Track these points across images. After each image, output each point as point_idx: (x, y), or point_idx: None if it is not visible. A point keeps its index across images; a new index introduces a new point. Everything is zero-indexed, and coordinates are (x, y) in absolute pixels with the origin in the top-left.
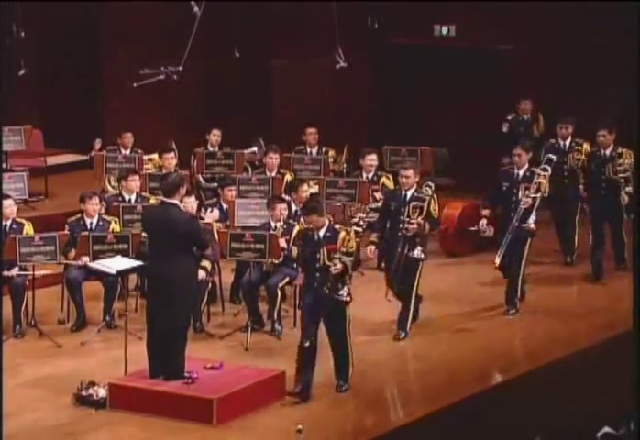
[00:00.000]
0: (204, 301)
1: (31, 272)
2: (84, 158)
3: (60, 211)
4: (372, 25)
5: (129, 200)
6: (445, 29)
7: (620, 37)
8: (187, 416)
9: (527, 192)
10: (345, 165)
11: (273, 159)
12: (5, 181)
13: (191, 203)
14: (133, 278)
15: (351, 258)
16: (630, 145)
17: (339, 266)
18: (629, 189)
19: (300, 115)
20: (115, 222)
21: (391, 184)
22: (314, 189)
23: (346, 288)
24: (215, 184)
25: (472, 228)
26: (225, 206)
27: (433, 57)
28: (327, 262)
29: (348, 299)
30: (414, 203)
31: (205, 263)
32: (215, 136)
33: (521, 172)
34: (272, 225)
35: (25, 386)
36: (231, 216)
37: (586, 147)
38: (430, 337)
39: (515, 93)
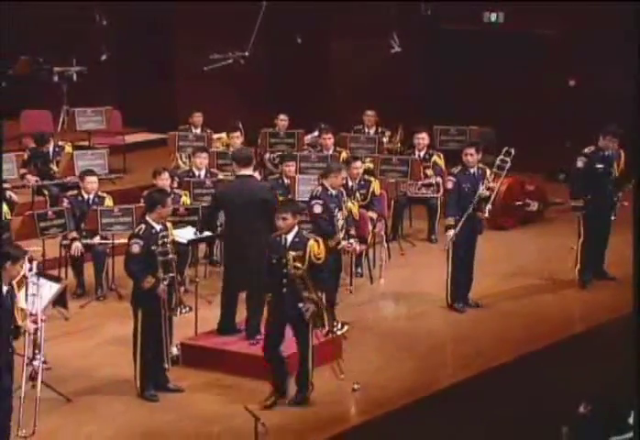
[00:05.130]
0: None
1: (111, 241)
2: (159, 136)
3: (137, 185)
4: (425, 11)
5: (199, 175)
6: (494, 16)
7: None
8: (250, 374)
9: None
10: (399, 145)
11: (327, 139)
12: (87, 157)
13: None
14: (202, 247)
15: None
16: None
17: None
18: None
19: (357, 96)
20: (186, 195)
21: (441, 162)
22: (370, 166)
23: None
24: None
25: (518, 202)
26: (286, 181)
27: (482, 42)
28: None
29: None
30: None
31: None
32: (282, 121)
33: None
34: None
35: (105, 344)
36: (292, 191)
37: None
38: (471, 310)
39: (560, 77)
